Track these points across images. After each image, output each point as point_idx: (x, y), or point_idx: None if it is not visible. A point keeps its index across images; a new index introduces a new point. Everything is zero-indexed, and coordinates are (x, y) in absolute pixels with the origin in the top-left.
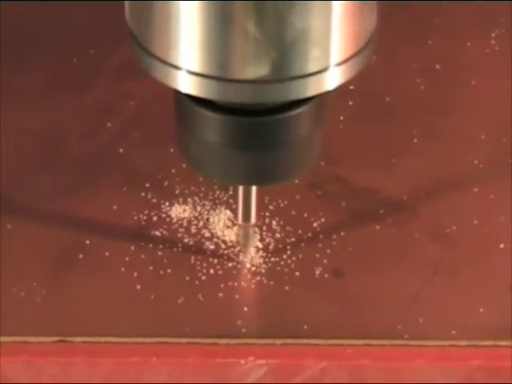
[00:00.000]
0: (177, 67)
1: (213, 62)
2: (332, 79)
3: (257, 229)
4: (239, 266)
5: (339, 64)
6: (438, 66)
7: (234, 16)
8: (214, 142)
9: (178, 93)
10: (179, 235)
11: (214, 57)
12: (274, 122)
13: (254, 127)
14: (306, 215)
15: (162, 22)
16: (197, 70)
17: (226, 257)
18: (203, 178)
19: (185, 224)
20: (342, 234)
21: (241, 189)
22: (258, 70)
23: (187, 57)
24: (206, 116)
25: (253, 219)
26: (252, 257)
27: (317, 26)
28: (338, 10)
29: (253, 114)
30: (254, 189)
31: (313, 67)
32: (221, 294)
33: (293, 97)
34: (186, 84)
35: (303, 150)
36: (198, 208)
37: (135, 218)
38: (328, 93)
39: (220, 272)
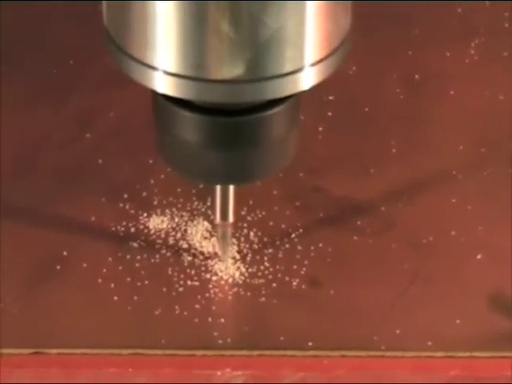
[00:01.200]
0: (153, 68)
1: (189, 62)
2: (307, 79)
3: (234, 240)
4: (216, 277)
5: (314, 64)
6: (417, 76)
7: (208, 16)
8: (191, 141)
9: (155, 93)
10: (157, 246)
11: (189, 57)
12: (251, 121)
13: (231, 127)
14: (283, 226)
15: (138, 22)
16: (173, 70)
17: (203, 268)
18: (183, 178)
19: (163, 235)
20: (320, 244)
21: (218, 188)
22: (233, 69)
23: (163, 57)
24: (183, 116)
25: (231, 218)
26: (229, 268)
27: (291, 27)
28: (311, 11)
29: (229, 113)
30: (231, 188)
31: (288, 67)
32: (197, 306)
33: (268, 96)
34: (163, 84)
35: (279, 149)
36: (176, 219)
37: (113, 228)
38: (303, 93)
39: (197, 283)
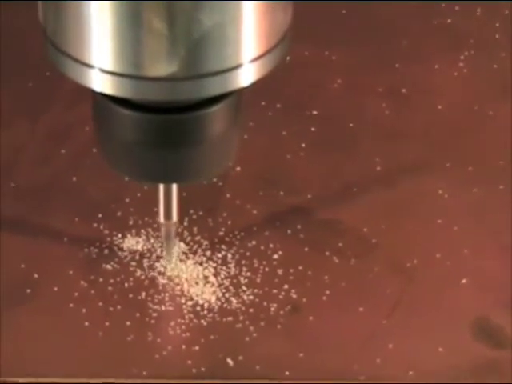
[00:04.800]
0: (89, 66)
1: (124, 60)
2: (246, 76)
3: (211, 262)
4: (191, 302)
5: (253, 61)
6: (404, 90)
7: (142, 14)
8: (131, 140)
9: (93, 92)
10: (131, 269)
11: (125, 55)
12: (190, 119)
13: (170, 125)
14: (262, 248)
15: (73, 20)
16: (109, 68)
17: (178, 292)
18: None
19: (137, 257)
20: (300, 267)
21: (161, 187)
22: (169, 67)
23: (99, 55)
24: (121, 114)
25: (174, 217)
26: (205, 293)
27: (226, 23)
28: (247, 7)
29: (168, 111)
30: (174, 187)
31: (225, 64)
32: (171, 332)
33: (206, 94)
34: (100, 83)
35: (220, 147)
36: (152, 240)
37: (86, 250)
38: (243, 89)
39: (171, 308)
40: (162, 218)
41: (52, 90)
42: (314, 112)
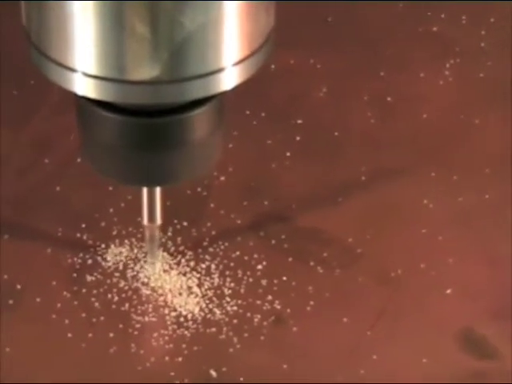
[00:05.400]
0: (72, 69)
1: (107, 63)
2: (229, 79)
3: (195, 273)
4: (175, 313)
5: (235, 64)
6: (389, 99)
7: (124, 17)
8: (114, 143)
9: (77, 96)
10: (114, 280)
11: (107, 58)
12: (173, 122)
13: (153, 128)
14: (246, 258)
15: (55, 24)
16: (92, 72)
17: (161, 303)
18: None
19: (120, 267)
20: (284, 278)
21: (144, 190)
22: (151, 70)
23: (82, 59)
24: (104, 118)
25: (158, 220)
26: (189, 304)
27: (209, 27)
28: (229, 11)
29: (151, 114)
30: (157, 190)
31: (208, 67)
32: (155, 343)
33: (189, 97)
34: (82, 86)
35: (203, 150)
36: (135, 250)
37: (69, 261)
38: (226, 93)
39: (154, 319)
40: (145, 221)
41: (36, 98)
42: (299, 121)
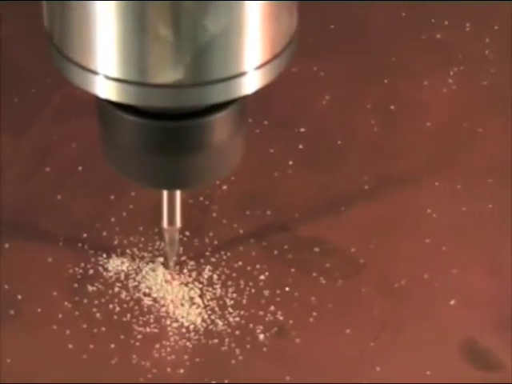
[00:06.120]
0: (94, 72)
1: (129, 66)
2: (251, 83)
3: (196, 283)
4: (177, 324)
5: (258, 68)
6: (392, 107)
7: (147, 20)
8: (136, 146)
9: (98, 98)
10: (116, 290)
11: (130, 61)
12: (195, 126)
13: (174, 131)
14: (249, 268)
15: (78, 26)
16: (114, 75)
17: (163, 314)
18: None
19: (122, 277)
20: (287, 288)
21: (165, 193)
22: (174, 74)
23: (104, 62)
24: (126, 121)
25: (178, 223)
26: (190, 314)
27: (232, 30)
28: (252, 14)
29: (173, 118)
30: (178, 193)
31: (231, 71)
32: (156, 355)
33: (211, 101)
34: (104, 89)
35: (224, 154)
36: (137, 260)
37: (70, 271)
38: (248, 97)
39: (156, 330)
40: (165, 224)
41: (37, 106)
42: (302, 129)
